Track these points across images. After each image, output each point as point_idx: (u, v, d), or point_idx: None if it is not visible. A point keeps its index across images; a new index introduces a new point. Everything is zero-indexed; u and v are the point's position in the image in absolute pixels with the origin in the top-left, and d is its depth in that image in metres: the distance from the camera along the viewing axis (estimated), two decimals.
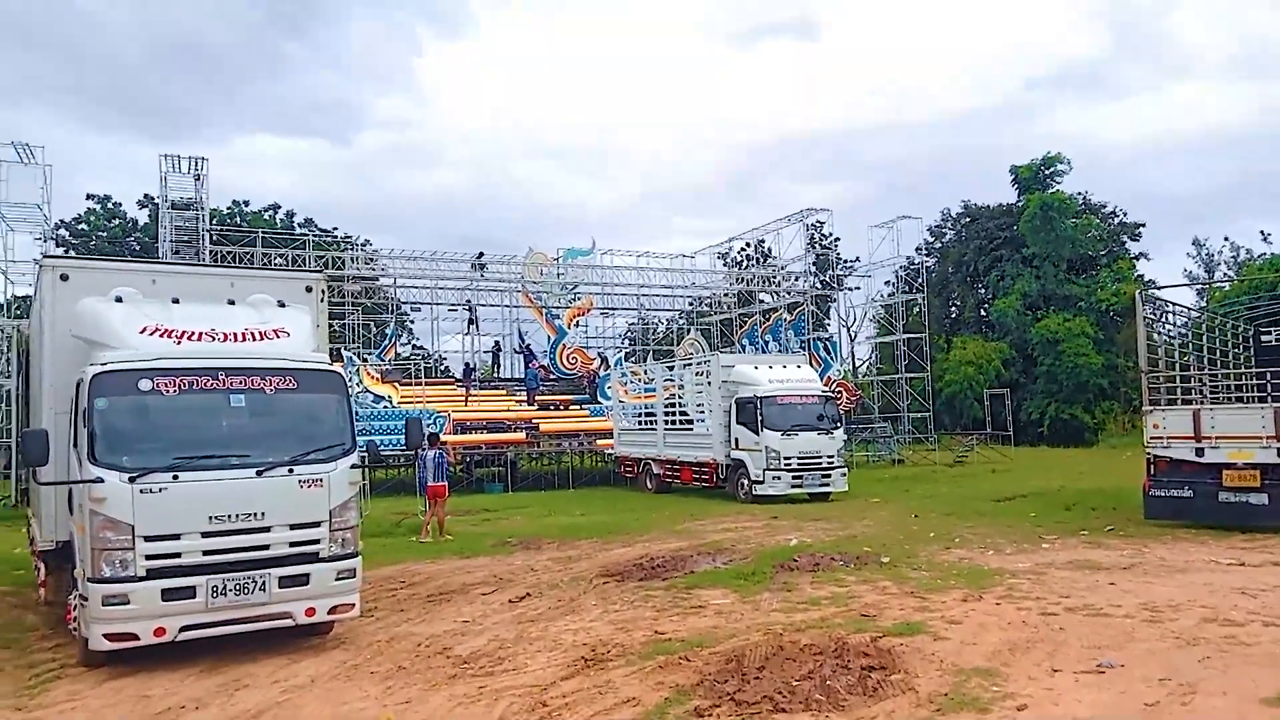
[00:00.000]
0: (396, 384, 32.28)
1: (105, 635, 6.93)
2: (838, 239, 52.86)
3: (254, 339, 8.05)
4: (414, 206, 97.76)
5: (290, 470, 7.64)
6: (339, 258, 37.43)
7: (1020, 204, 51.79)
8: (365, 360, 33.52)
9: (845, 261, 55.33)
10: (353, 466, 7.99)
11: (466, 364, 39.31)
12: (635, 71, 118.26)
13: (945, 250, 58.13)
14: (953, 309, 59.44)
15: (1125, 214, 53.19)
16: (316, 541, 7.73)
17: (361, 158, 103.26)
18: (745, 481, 21.32)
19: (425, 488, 15.97)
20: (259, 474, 7.50)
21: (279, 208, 55.53)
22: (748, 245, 52.13)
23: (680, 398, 25.44)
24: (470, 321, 40.58)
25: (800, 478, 20.82)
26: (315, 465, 7.77)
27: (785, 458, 20.67)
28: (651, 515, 19.02)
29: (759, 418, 20.88)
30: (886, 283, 50.23)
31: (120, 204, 53.06)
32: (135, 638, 6.98)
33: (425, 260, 37.28)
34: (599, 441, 31.02)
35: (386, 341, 39.80)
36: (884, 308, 44.21)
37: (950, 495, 21.41)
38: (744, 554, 12.73)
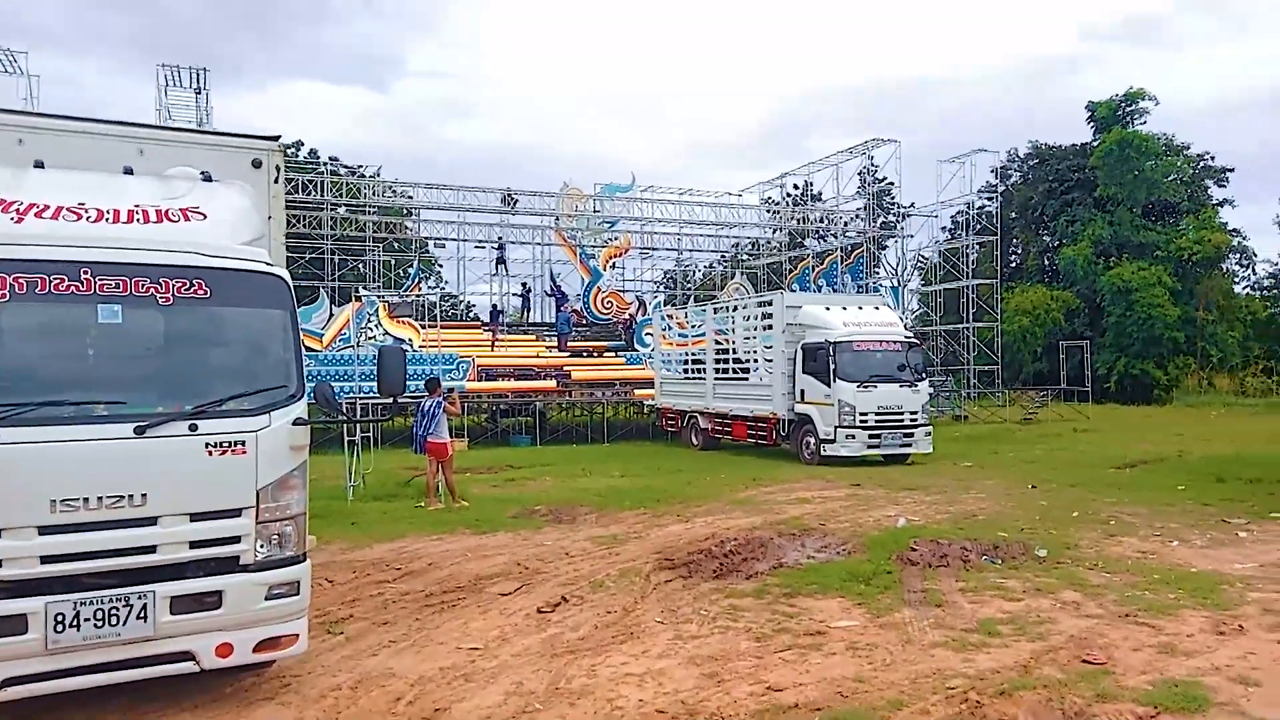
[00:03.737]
0: (415, 325, 29.49)
1: None
2: (891, 183, 49.02)
3: (146, 220, 5.15)
4: (453, 157, 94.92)
5: (192, 426, 4.77)
6: (355, 185, 34.47)
7: (1096, 144, 47.63)
8: (387, 302, 30.83)
9: (900, 207, 51.48)
10: (296, 423, 5.10)
11: (494, 306, 36.47)
12: (679, 20, 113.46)
13: (1009, 193, 54.05)
14: (1013, 256, 55.53)
15: (1213, 157, 48.72)
16: (234, 540, 4.87)
17: (401, 107, 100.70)
18: (811, 440, 18.36)
19: (423, 444, 13.11)
20: (139, 432, 4.63)
21: (302, 144, 52.49)
22: (796, 187, 48.43)
23: (732, 343, 22.43)
24: (499, 261, 37.67)
25: (878, 437, 17.82)
26: (234, 420, 4.90)
27: (861, 413, 17.66)
28: (704, 478, 16.17)
29: (831, 366, 17.84)
30: (943, 228, 46.57)
31: None
32: None
33: (450, 190, 34.22)
34: (636, 391, 28.26)
35: (410, 281, 37.02)
36: (946, 252, 40.65)
37: (1053, 460, 18.30)
38: (841, 539, 9.82)
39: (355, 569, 8.82)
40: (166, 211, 5.24)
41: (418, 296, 33.27)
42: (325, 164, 46.06)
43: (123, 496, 4.59)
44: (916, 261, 49.26)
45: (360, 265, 37.35)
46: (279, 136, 6.70)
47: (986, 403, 35.43)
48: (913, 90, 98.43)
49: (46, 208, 4.94)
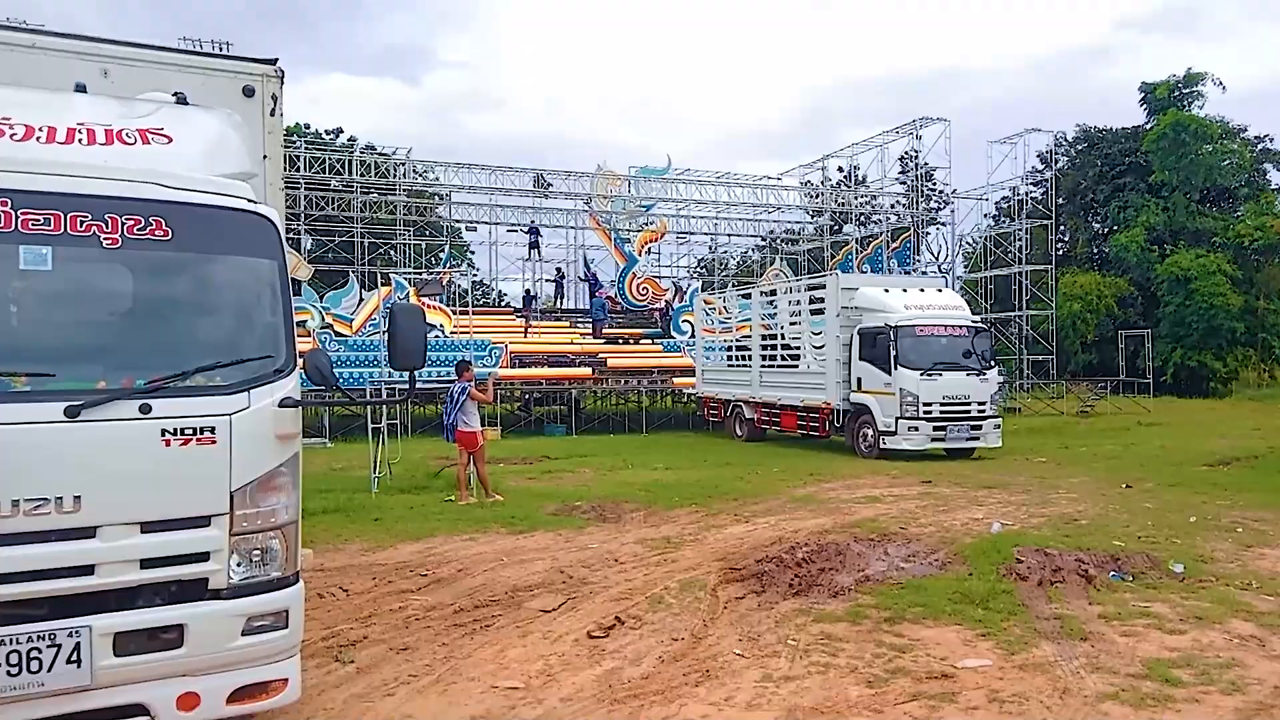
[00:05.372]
0: (446, 310, 28.43)
1: None
2: (935, 167, 47.14)
3: (92, 141, 3.97)
4: (483, 147, 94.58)
5: (144, 408, 3.59)
6: (385, 165, 33.40)
7: (1150, 126, 45.52)
8: (415, 284, 29.80)
9: (945, 191, 49.65)
10: (283, 404, 3.90)
11: (527, 291, 35.35)
12: (711, 10, 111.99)
13: (1057, 178, 52.02)
14: (1060, 244, 53.52)
15: (1272, 139, 46.37)
16: (201, 557, 3.69)
17: (432, 98, 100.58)
18: (869, 432, 17.03)
19: (453, 432, 11.93)
20: (72, 414, 3.45)
21: (341, 131, 51.65)
22: (840, 169, 46.81)
23: (780, 329, 21.12)
24: (532, 245, 36.52)
25: (943, 429, 16.45)
26: (201, 399, 3.72)
27: (925, 404, 16.29)
28: (755, 472, 14.89)
29: (892, 353, 16.48)
30: (985, 214, 44.84)
31: None
32: None
33: (482, 169, 33.08)
34: (676, 380, 27.03)
35: (441, 266, 35.98)
36: (996, 237, 38.98)
37: (1133, 456, 16.83)
38: (930, 546, 8.54)
39: (375, 575, 7.68)
40: (120, 132, 4.05)
41: (449, 281, 32.23)
42: (359, 147, 45.17)
43: (48, 499, 3.41)
44: (960, 247, 47.56)
45: (391, 251, 36.42)
46: (276, 60, 5.53)
47: (1039, 394, 33.86)
48: (944, 82, 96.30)
49: None
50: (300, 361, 4.05)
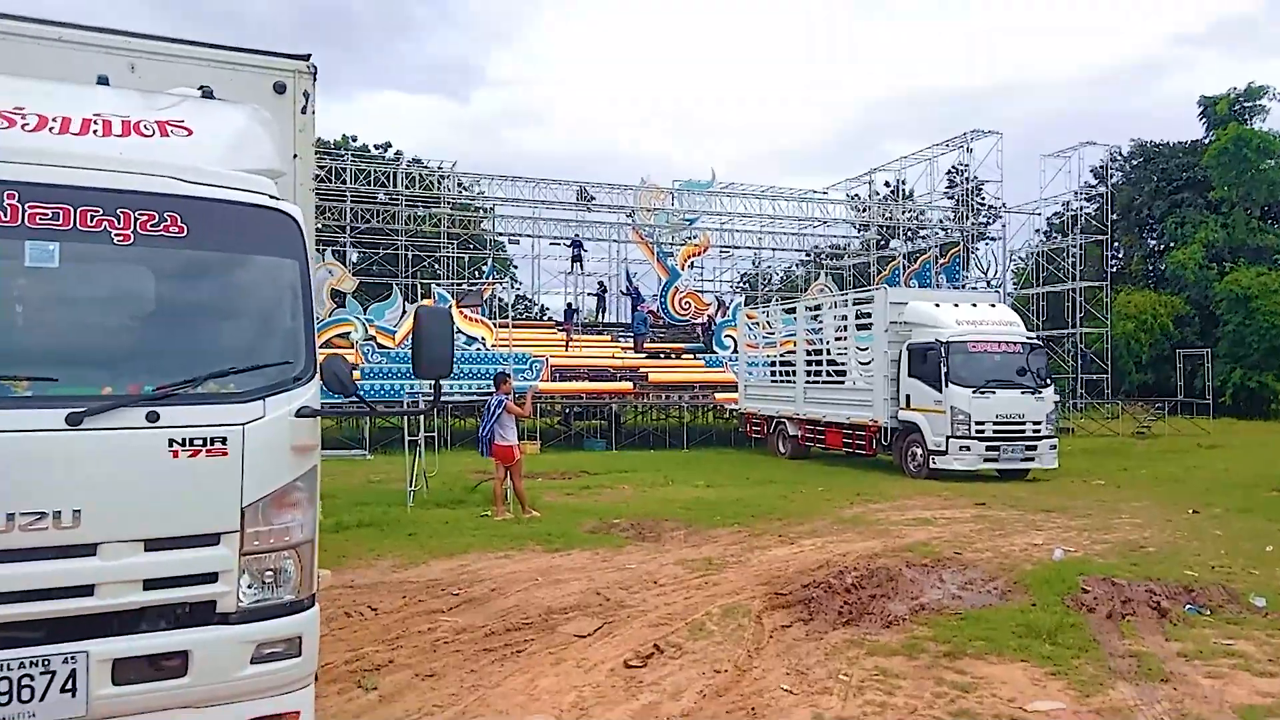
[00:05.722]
0: (488, 323, 28.35)
1: None
2: (984, 181, 46.23)
3: (107, 133, 3.75)
4: (528, 163, 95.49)
5: (151, 415, 3.33)
6: (429, 177, 33.50)
7: (1209, 141, 44.33)
8: (457, 298, 29.79)
9: (995, 205, 48.70)
10: (300, 414, 3.62)
11: (569, 304, 35.18)
12: (753, 25, 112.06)
13: (1111, 194, 50.84)
14: (1114, 260, 52.24)
15: None
16: (208, 578, 3.42)
17: (479, 115, 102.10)
18: (918, 451, 16.49)
19: (489, 446, 11.68)
20: (74, 421, 3.21)
21: (390, 145, 52.09)
22: (887, 184, 46.17)
23: (825, 344, 20.67)
24: (575, 259, 36.40)
25: (996, 449, 15.87)
26: (212, 408, 3.45)
27: (977, 422, 15.74)
28: (799, 491, 14.47)
29: (943, 369, 15.96)
30: (1037, 230, 43.90)
31: None
32: None
33: (525, 182, 33.06)
34: (718, 395, 26.64)
35: (484, 279, 35.99)
36: (1049, 252, 38.10)
37: (1196, 480, 16.08)
38: (987, 573, 8.09)
39: (405, 593, 7.42)
40: (137, 124, 3.83)
41: (491, 294, 32.21)
42: (405, 160, 45.37)
43: (45, 514, 3.17)
44: (1011, 263, 46.58)
45: (434, 263, 36.53)
46: (309, 56, 5.32)
47: (1094, 414, 32.90)
48: (993, 95, 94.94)
49: None
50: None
